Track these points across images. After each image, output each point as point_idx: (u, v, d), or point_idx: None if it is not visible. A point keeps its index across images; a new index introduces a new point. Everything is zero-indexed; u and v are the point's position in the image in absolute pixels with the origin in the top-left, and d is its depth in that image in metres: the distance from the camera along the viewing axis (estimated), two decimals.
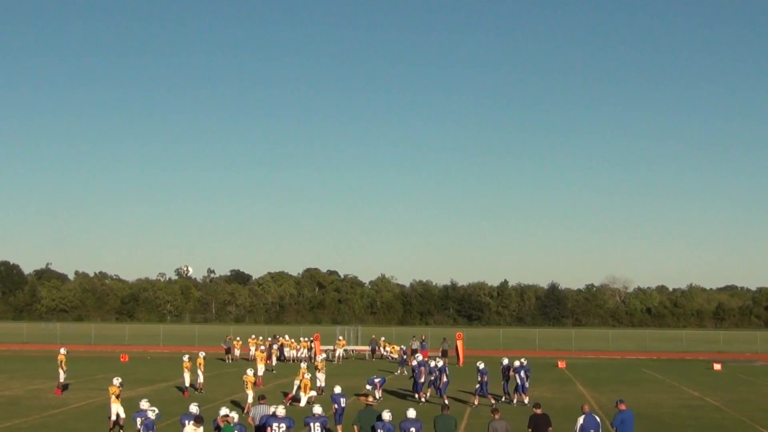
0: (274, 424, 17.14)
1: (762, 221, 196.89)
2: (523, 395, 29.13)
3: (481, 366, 29.10)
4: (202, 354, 34.10)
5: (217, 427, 17.36)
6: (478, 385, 29.09)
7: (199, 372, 32.64)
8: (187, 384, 31.99)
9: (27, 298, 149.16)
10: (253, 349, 46.45)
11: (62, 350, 33.40)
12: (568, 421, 24.24)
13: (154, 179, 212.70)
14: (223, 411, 17.40)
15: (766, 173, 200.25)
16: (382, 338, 55.52)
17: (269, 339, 51.46)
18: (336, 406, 22.16)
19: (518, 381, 29.14)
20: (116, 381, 23.36)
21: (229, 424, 17.07)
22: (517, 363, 29.42)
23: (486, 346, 65.40)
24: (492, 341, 72.43)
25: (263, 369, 37.56)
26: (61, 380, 32.19)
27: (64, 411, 27.18)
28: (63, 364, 32.14)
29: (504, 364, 30.49)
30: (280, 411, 17.48)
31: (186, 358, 32.54)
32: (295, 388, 29.25)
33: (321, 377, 32.34)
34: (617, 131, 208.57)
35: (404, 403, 28.10)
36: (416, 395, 30.20)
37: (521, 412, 25.38)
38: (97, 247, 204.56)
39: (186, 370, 31.97)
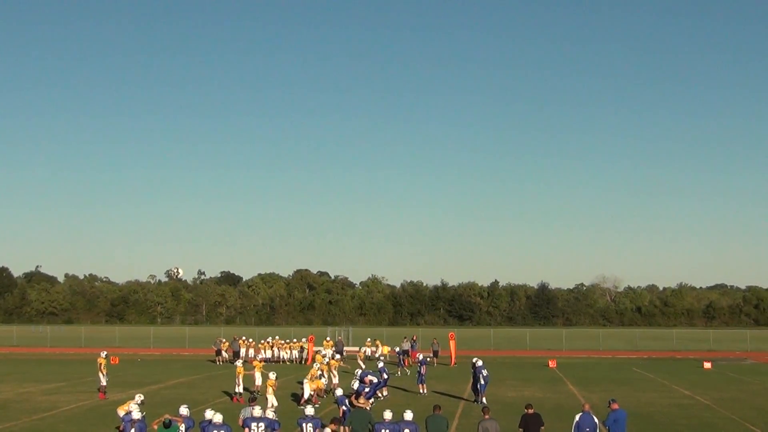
0: (253, 425, 17.12)
1: (752, 220, 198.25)
2: (482, 395, 29.49)
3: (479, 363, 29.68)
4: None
5: (167, 425, 17.30)
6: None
7: (258, 375, 31.68)
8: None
9: (16, 301, 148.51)
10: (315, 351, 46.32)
11: (102, 354, 32.34)
12: (558, 420, 24.31)
13: (144, 181, 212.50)
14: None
15: (757, 172, 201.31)
16: (377, 339, 55.17)
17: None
18: (343, 408, 22.00)
19: (482, 381, 29.46)
20: (138, 398, 23.04)
21: (166, 426, 17.06)
22: (480, 362, 29.97)
23: (477, 346, 65.46)
24: (483, 341, 72.53)
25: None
26: (103, 383, 31.35)
27: (54, 414, 27.03)
28: (103, 368, 31.20)
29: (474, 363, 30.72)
30: (257, 411, 17.57)
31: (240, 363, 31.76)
32: (305, 389, 28.90)
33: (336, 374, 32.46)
34: (607, 130, 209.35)
35: (398, 404, 28.02)
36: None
37: (514, 411, 25.37)
38: (86, 249, 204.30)
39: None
